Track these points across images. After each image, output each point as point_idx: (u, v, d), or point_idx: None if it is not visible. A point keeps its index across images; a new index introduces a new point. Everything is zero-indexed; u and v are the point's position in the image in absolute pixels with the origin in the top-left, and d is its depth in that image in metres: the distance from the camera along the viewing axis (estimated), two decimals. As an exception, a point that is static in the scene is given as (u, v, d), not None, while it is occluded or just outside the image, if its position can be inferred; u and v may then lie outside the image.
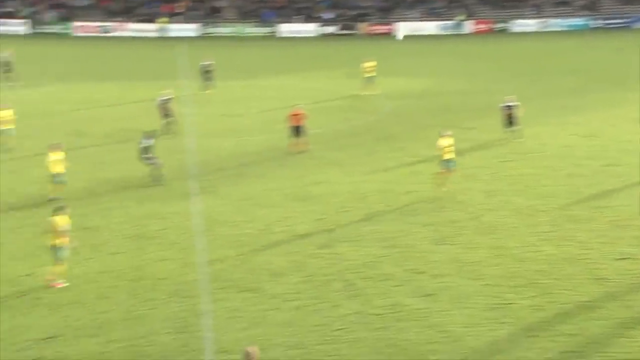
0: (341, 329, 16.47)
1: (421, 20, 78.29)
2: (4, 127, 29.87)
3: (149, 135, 26.41)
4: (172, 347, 15.58)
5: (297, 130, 30.58)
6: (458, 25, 76.48)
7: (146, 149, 26.02)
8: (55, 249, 18.11)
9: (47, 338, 15.75)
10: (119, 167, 28.19)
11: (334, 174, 28.00)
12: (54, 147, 24.68)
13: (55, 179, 24.30)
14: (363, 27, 77.53)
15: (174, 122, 33.39)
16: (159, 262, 19.73)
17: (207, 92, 43.71)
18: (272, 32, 76.89)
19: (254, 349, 12.68)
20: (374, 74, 42.93)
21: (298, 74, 52.86)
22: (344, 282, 18.81)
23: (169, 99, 33.27)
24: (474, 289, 18.44)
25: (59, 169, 24.20)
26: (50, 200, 23.97)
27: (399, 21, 77.52)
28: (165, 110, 33.16)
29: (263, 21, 78.55)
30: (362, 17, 79.30)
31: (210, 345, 15.71)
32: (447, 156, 25.46)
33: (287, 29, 77.31)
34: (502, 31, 75.83)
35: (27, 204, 23.99)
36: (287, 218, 23.38)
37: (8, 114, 29.95)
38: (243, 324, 16.59)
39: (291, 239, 21.62)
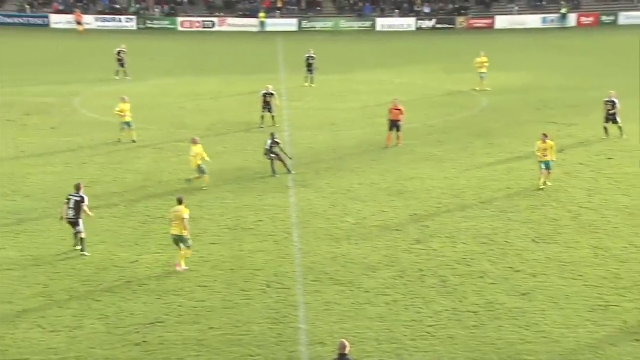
0: (435, 325, 16.40)
1: (523, 14, 76.43)
2: (123, 120, 30.81)
3: (273, 136, 27.05)
4: (267, 337, 15.92)
5: (394, 125, 30.68)
6: (562, 18, 74.17)
7: (270, 149, 26.73)
8: (178, 237, 18.75)
9: (150, 323, 16.37)
10: (218, 160, 28.87)
11: (429, 169, 27.80)
12: (194, 141, 25.53)
13: (197, 170, 25.30)
14: (462, 21, 76.39)
15: (274, 116, 33.96)
16: (255, 253, 20.15)
17: (309, 84, 44.39)
18: (370, 26, 76.85)
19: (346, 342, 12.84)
20: (485, 70, 42.27)
21: (395, 68, 52.66)
22: (438, 278, 18.70)
23: (270, 93, 33.85)
24: (574, 289, 17.96)
25: (199, 160, 25.18)
26: (188, 180, 25.27)
27: (499, 14, 75.95)
28: (265, 104, 33.83)
29: (361, 15, 78.58)
30: (461, 11, 78.14)
31: (304, 336, 15.96)
32: (544, 159, 24.97)
33: (385, 23, 77.09)
34: (610, 24, 73.04)
35: (132, 194, 24.92)
36: (381, 212, 23.41)
37: (127, 107, 30.81)
38: (336, 317, 16.76)
39: (385, 234, 21.65)
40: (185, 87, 44.28)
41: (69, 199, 20.00)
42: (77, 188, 20.22)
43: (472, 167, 28.02)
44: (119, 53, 46.04)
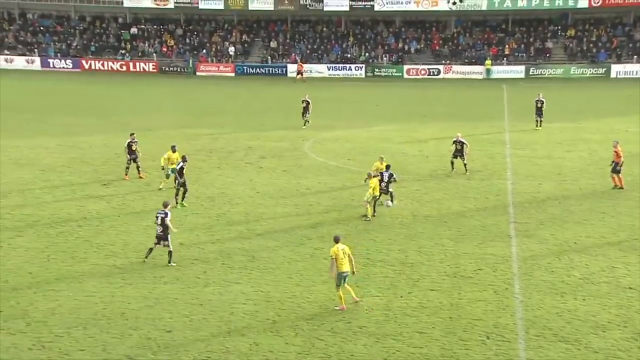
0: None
1: None
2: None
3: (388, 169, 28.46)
4: (485, 389, 15.57)
5: (615, 167, 30.81)
6: None
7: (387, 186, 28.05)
8: (340, 275, 19.22)
9: (369, 366, 16.69)
10: (437, 205, 28.99)
11: (668, 225, 25.78)
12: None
13: None
14: None
15: (465, 163, 33.65)
16: (474, 302, 19.86)
17: (537, 127, 44.52)
18: (604, 73, 73.29)
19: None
20: None
21: (630, 116, 49.68)
22: (677, 344, 17.19)
23: (460, 141, 33.60)
24: None
25: None
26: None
27: None
28: (457, 150, 33.78)
29: (594, 62, 75.26)
30: None
31: (524, 393, 15.41)
32: None
33: (620, 69, 73.19)
34: None
35: (356, 236, 25.59)
36: (612, 268, 22.06)
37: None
38: (559, 376, 16.00)
39: (616, 291, 20.35)
40: (408, 132, 45.03)
41: (157, 216, 22.47)
42: (165, 205, 22.79)
43: None
44: (303, 102, 47.00)
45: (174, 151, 30.86)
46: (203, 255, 23.69)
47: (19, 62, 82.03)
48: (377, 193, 27.32)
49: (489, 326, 18.41)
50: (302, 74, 74.10)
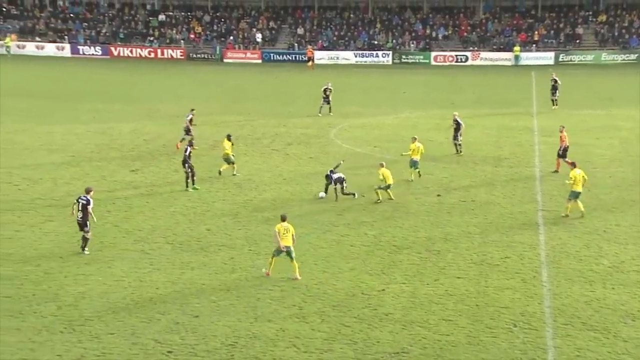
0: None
1: None
2: (414, 158, 30.77)
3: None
4: (512, 377, 15.52)
5: (564, 152, 31.64)
6: None
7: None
8: (289, 249, 20.45)
9: (395, 353, 16.66)
10: (464, 193, 28.81)
11: (701, 214, 25.41)
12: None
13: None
14: None
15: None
16: (501, 290, 19.77)
17: (553, 108, 46.44)
18: (636, 59, 72.16)
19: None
20: None
21: (662, 102, 48.87)
22: None
23: (455, 120, 34.34)
24: None
25: None
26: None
27: None
28: (455, 131, 34.61)
29: (626, 47, 74.10)
30: None
31: (551, 381, 15.34)
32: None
33: (654, 54, 71.99)
34: None
35: (382, 223, 25.60)
36: (642, 258, 21.82)
37: (416, 147, 30.76)
38: (588, 365, 15.90)
39: (646, 281, 20.14)
40: (435, 119, 44.72)
41: (78, 201, 22.39)
42: (87, 191, 22.65)
43: None
44: (324, 90, 46.07)
45: (229, 139, 32.35)
46: (230, 241, 23.84)
47: (50, 48, 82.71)
48: (391, 181, 27.70)
49: (516, 314, 18.33)
50: (312, 61, 73.18)
